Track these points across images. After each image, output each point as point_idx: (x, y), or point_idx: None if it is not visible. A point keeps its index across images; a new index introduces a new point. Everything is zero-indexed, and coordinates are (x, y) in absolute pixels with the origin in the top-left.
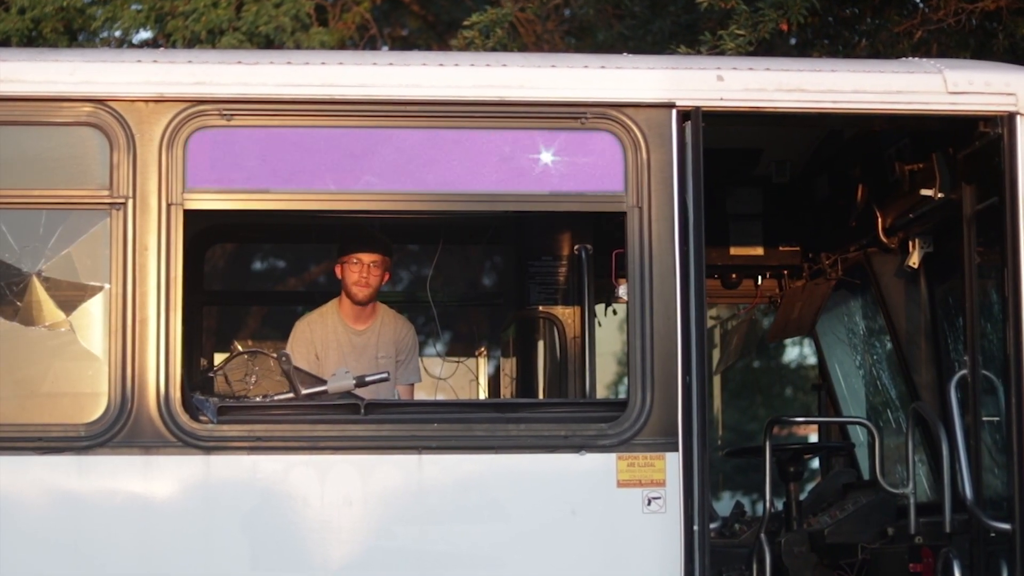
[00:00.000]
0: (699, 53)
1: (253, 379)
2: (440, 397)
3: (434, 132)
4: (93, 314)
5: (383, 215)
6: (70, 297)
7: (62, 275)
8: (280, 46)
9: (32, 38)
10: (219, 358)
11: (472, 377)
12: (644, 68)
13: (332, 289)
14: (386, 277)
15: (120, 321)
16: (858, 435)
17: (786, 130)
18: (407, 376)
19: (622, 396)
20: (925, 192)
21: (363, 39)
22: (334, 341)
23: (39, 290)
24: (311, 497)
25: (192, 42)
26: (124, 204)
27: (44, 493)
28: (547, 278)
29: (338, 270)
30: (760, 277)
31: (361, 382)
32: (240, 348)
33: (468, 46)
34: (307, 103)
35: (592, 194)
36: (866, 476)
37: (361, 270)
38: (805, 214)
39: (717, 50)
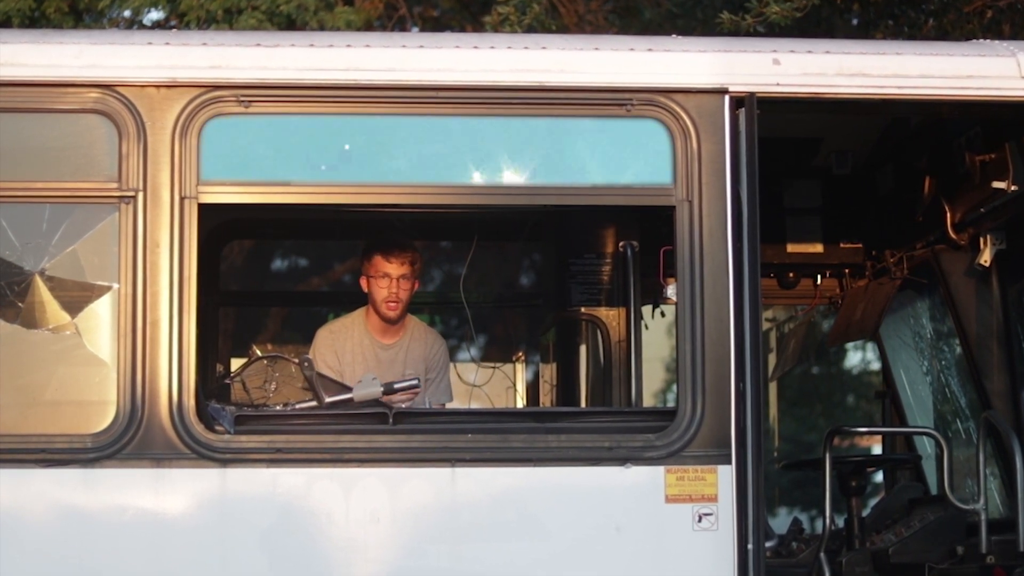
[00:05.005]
0: (743, 21)
1: (273, 386)
2: (475, 405)
3: (468, 120)
4: (100, 316)
5: (413, 209)
6: (76, 298)
7: (67, 274)
8: (302, 27)
9: (34, 19)
10: (236, 363)
11: (509, 384)
12: (694, 51)
13: (356, 288)
14: (416, 285)
15: (130, 323)
16: (925, 446)
17: (847, 118)
18: (437, 396)
19: (671, 405)
20: (997, 185)
21: (392, 20)
22: (360, 355)
23: (42, 290)
24: (335, 513)
25: (207, 23)
26: (134, 197)
27: (48, 508)
28: (590, 277)
29: (363, 283)
30: (819, 276)
31: (389, 389)
32: (259, 353)
33: (502, 23)
34: (331, 89)
35: (638, 187)
36: (934, 491)
37: (390, 285)
38: (868, 208)
39: (762, 18)
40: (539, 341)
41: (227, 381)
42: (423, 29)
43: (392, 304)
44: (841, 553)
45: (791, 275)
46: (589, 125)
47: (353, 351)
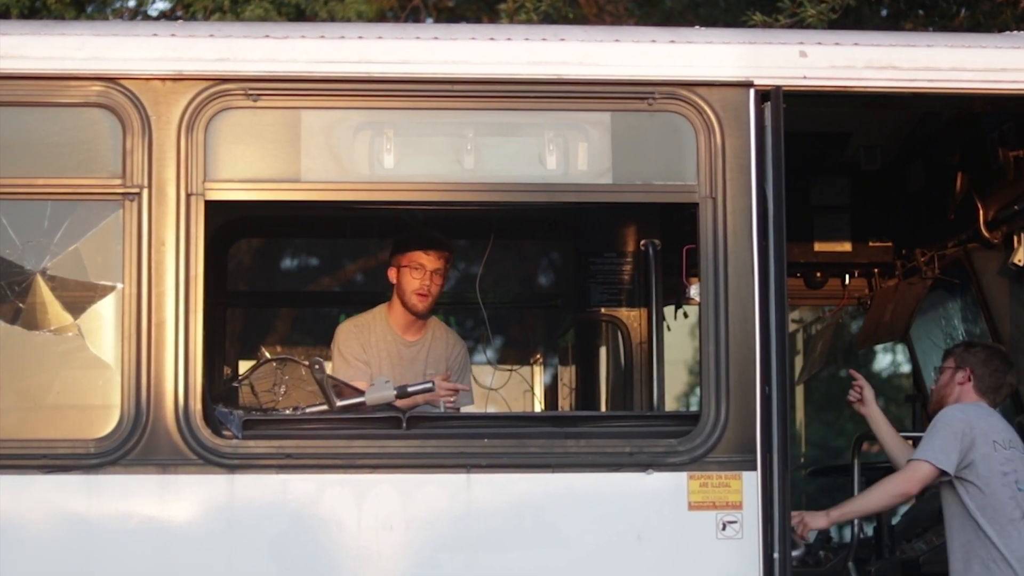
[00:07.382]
0: (776, 22)
1: (282, 389)
2: (491, 409)
3: (484, 114)
4: (104, 317)
5: (427, 207)
6: (78, 298)
7: (69, 273)
8: (312, 17)
9: (35, 9)
10: (244, 366)
11: (526, 387)
12: (719, 43)
13: (369, 288)
14: (443, 285)
15: (134, 324)
16: None
17: (876, 112)
18: (458, 400)
19: (694, 408)
20: None
21: (405, 10)
22: (384, 350)
23: (44, 290)
24: (347, 521)
25: (213, 12)
26: (139, 194)
27: (51, 515)
28: (610, 277)
29: (392, 274)
30: (848, 276)
31: (403, 393)
32: (268, 355)
33: (518, 10)
34: (342, 82)
35: (660, 183)
36: None
37: (423, 277)
38: (898, 205)
39: (796, 19)
40: (557, 343)
41: (235, 384)
42: (438, 20)
43: (422, 296)
44: (870, 562)
45: (818, 275)
46: (609, 119)
47: (377, 345)
